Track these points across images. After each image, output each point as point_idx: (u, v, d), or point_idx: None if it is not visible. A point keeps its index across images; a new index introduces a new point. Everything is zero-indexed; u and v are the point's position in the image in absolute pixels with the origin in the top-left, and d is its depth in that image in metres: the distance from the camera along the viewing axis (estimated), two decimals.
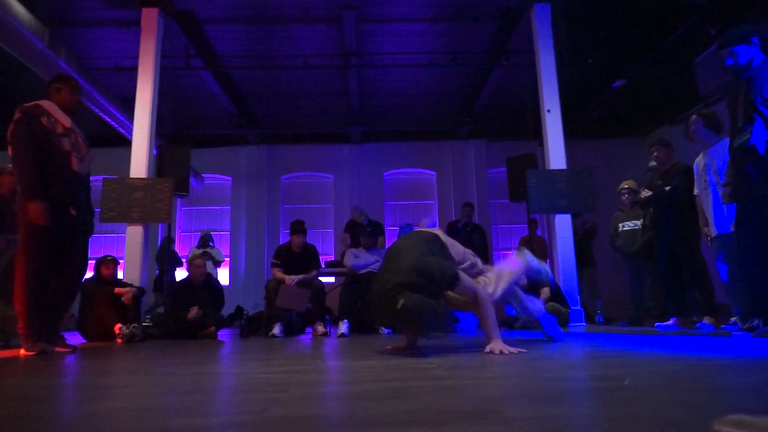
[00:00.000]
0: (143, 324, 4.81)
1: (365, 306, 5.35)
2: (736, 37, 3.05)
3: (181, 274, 7.67)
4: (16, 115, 3.02)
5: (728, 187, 3.25)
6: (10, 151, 2.99)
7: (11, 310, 3.90)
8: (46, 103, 3.16)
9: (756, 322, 3.52)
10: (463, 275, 2.59)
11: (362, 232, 5.80)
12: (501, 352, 2.37)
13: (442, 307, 2.51)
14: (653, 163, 4.93)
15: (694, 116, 4.14)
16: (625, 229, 5.57)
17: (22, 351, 2.92)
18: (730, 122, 3.19)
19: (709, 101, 7.41)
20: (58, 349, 3.13)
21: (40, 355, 2.83)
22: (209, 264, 6.91)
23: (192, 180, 7.73)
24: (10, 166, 4.98)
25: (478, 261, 2.99)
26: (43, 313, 3.05)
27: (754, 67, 3.00)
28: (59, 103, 3.20)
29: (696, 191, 4.28)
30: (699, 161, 4.20)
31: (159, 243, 8.16)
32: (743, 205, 3.10)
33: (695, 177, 4.28)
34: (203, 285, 5.13)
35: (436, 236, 2.86)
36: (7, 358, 2.76)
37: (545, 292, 5.25)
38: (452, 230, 7.29)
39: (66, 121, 3.17)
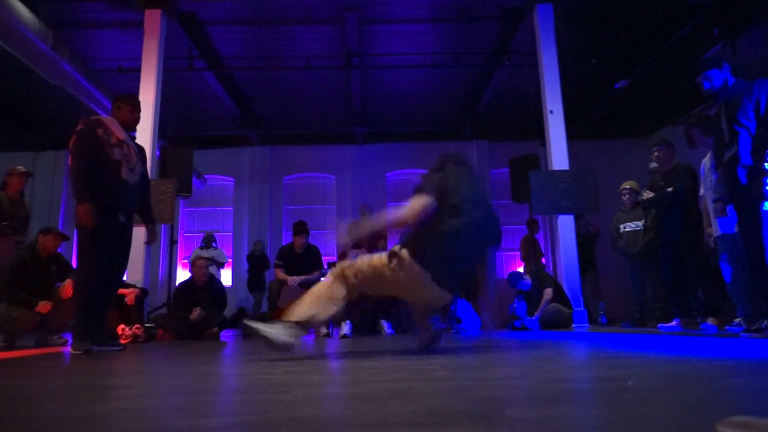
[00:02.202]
0: (146, 325, 4.82)
1: (367, 307, 5.35)
2: (708, 62, 3.41)
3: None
4: (79, 127, 3.29)
5: (719, 203, 3.51)
6: (69, 159, 3.25)
7: (15, 312, 3.93)
8: (106, 118, 3.45)
9: (765, 323, 3.51)
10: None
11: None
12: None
13: None
14: (654, 164, 4.91)
15: (693, 131, 4.15)
16: (626, 230, 5.55)
17: (71, 349, 3.08)
18: (714, 140, 3.46)
19: (712, 102, 7.37)
20: (107, 348, 3.28)
21: (85, 355, 2.92)
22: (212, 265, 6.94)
23: (195, 181, 7.76)
24: (18, 168, 5.04)
25: None
26: (96, 315, 3.21)
27: (730, 87, 3.30)
28: (119, 119, 3.46)
29: (702, 191, 4.27)
30: (706, 162, 4.19)
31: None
32: (740, 211, 3.21)
33: (701, 177, 4.27)
34: (206, 286, 5.14)
35: None
36: (11, 359, 2.77)
37: (548, 293, 5.25)
38: None
39: (120, 133, 3.40)
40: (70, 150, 3.25)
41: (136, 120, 3.58)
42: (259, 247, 8.78)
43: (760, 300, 3.49)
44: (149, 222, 3.68)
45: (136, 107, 3.54)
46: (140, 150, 3.58)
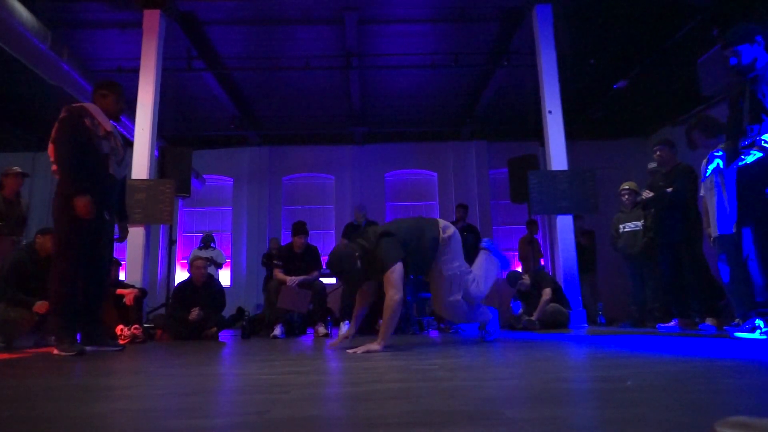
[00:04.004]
0: (145, 325, 4.82)
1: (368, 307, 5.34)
2: (740, 36, 3.01)
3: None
4: (62, 114, 3.05)
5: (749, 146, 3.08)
6: (50, 150, 3.00)
7: (13, 312, 3.92)
8: (90, 106, 3.21)
9: (755, 322, 3.50)
10: (394, 273, 2.93)
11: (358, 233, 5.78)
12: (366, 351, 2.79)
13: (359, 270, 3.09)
14: (653, 164, 4.91)
15: (694, 132, 4.11)
16: (626, 230, 5.56)
17: (55, 351, 2.91)
18: (730, 121, 3.17)
19: (711, 102, 7.40)
20: (105, 348, 3.18)
21: (78, 356, 2.79)
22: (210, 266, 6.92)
23: (193, 181, 7.74)
24: (14, 168, 5.04)
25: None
26: (77, 315, 3.05)
27: (760, 67, 2.96)
28: (103, 108, 3.25)
29: (702, 192, 4.27)
30: (706, 162, 4.19)
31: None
32: (744, 206, 3.11)
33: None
34: (204, 286, 5.14)
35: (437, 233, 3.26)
36: (9, 360, 2.77)
37: (547, 293, 5.25)
38: None
39: (107, 125, 3.21)
40: (52, 139, 3.00)
41: (122, 109, 3.36)
42: (275, 245, 8.62)
43: (748, 300, 3.46)
44: (122, 218, 3.48)
45: (121, 95, 3.32)
46: (125, 142, 3.39)
